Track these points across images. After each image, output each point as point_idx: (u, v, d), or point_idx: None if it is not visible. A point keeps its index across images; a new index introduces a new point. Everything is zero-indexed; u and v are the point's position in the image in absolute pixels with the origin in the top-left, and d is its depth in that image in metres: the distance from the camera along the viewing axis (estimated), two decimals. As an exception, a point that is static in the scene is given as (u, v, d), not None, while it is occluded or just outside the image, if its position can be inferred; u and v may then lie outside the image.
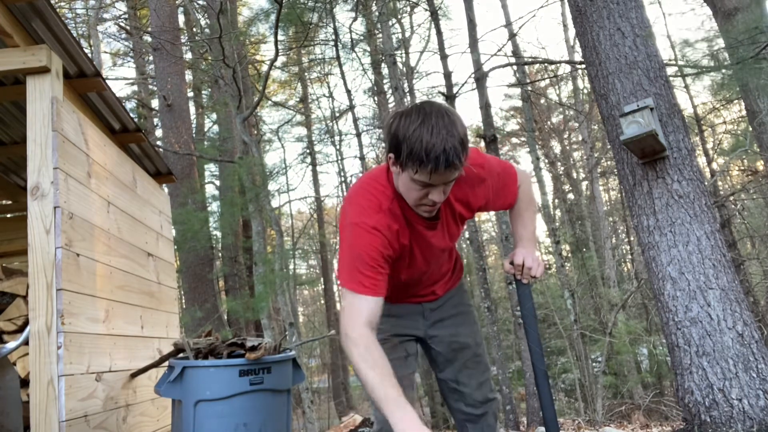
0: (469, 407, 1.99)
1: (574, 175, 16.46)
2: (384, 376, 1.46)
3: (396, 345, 1.92)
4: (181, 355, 2.19)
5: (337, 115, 14.20)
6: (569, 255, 14.95)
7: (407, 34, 12.11)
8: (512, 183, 1.83)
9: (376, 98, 12.92)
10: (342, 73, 9.61)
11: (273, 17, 8.53)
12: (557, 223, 14.94)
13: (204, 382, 1.96)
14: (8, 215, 3.95)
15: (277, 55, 8.33)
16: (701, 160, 9.81)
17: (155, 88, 12.15)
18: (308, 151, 15.86)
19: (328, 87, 14.99)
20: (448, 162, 1.42)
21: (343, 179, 14.47)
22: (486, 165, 1.75)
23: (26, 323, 2.69)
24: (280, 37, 8.61)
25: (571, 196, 16.77)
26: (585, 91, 13.01)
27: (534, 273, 1.76)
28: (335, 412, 14.34)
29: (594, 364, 10.79)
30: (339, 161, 14.77)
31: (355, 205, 1.66)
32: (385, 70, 10.73)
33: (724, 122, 10.41)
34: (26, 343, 2.12)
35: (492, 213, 16.04)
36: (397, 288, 1.85)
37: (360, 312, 1.54)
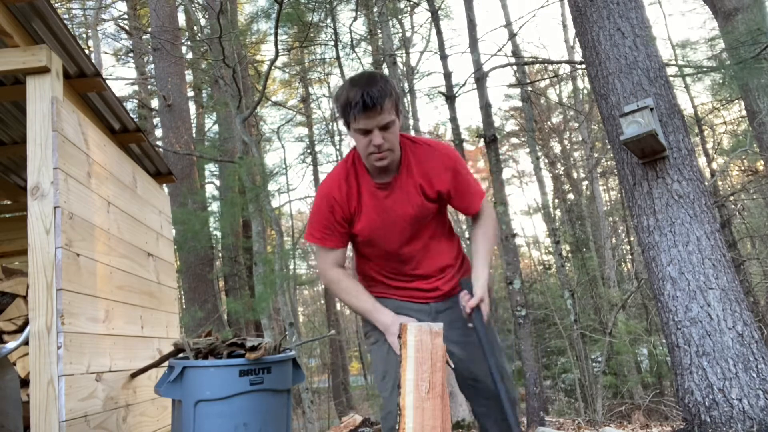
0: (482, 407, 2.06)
1: (574, 175, 16.45)
2: (358, 294, 1.91)
3: None
4: (181, 355, 2.19)
5: (338, 115, 14.19)
6: (569, 255, 14.95)
7: (408, 34, 12.10)
8: (477, 195, 2.01)
9: (376, 98, 12.86)
10: (342, 73, 9.58)
11: (273, 17, 8.53)
12: (557, 223, 14.93)
13: (204, 382, 1.96)
14: (8, 215, 3.95)
15: (277, 55, 8.32)
16: (701, 160, 9.80)
17: (155, 88, 12.14)
18: (309, 151, 15.87)
19: (329, 87, 15.00)
20: (365, 104, 1.69)
21: (343, 179, 14.43)
22: (458, 162, 1.94)
23: (26, 323, 2.69)
24: (280, 37, 8.60)
25: (571, 196, 16.77)
26: (585, 91, 13.00)
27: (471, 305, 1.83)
28: (335, 412, 14.34)
29: (594, 364, 10.78)
30: (339, 161, 14.76)
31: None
32: (385, 70, 10.71)
33: (724, 122, 10.40)
34: (26, 343, 2.12)
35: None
36: (386, 260, 2.00)
37: (326, 259, 1.96)
